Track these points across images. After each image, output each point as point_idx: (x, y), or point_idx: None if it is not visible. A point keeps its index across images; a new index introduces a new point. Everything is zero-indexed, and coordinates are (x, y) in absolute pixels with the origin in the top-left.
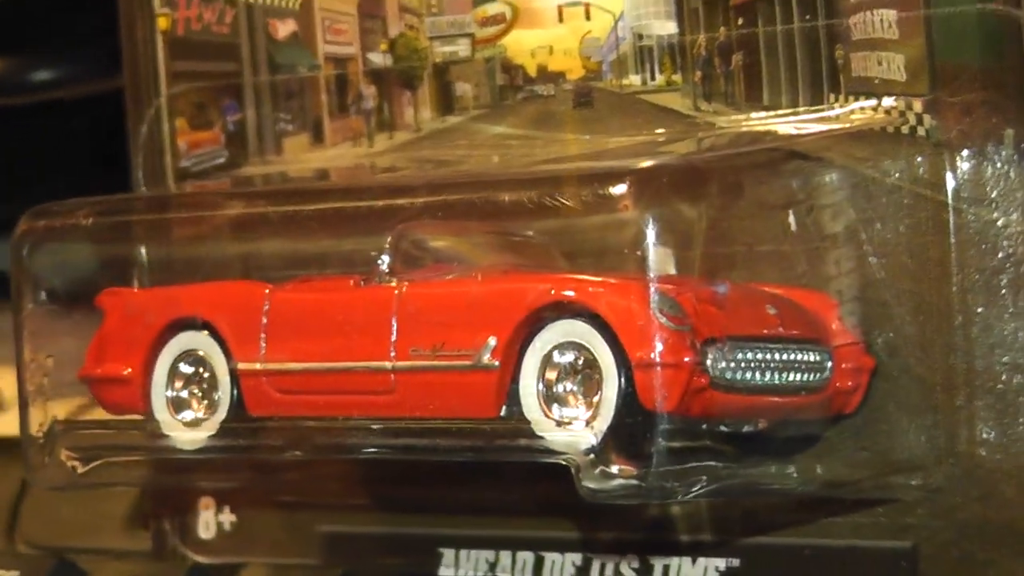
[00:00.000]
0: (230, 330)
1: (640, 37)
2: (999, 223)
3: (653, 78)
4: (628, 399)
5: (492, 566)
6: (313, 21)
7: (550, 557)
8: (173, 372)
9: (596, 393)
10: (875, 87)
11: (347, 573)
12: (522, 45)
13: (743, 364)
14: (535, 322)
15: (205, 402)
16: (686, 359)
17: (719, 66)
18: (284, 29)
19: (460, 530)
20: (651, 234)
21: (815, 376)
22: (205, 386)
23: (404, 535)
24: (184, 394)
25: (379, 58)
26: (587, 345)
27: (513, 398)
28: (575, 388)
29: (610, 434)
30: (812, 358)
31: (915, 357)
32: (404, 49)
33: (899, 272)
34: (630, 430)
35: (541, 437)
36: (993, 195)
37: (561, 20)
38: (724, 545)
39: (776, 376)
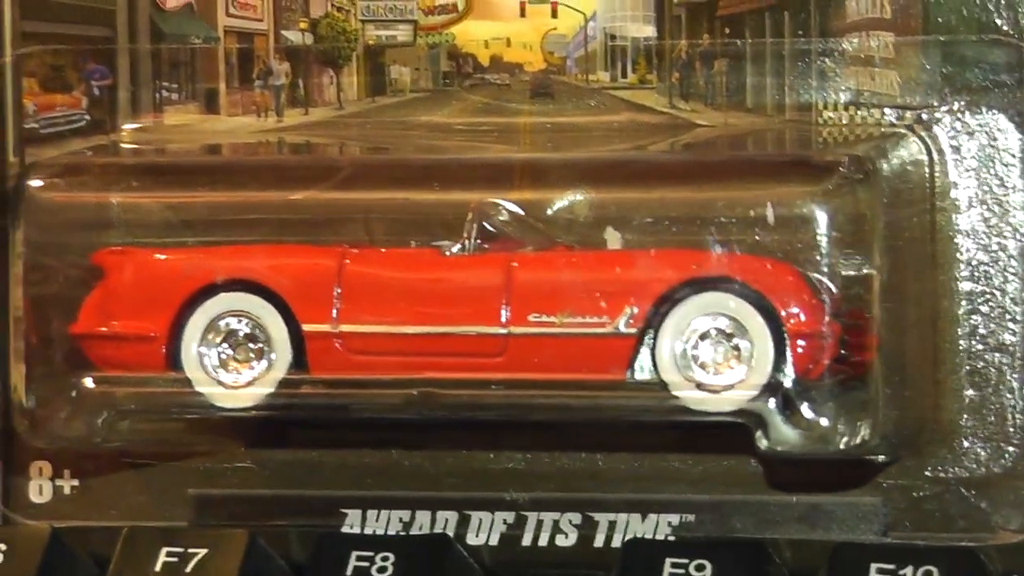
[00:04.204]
0: (294, 293)
1: (612, 37)
2: (991, 221)
3: (624, 75)
4: (778, 365)
5: (407, 526)
6: None
7: (477, 516)
8: (211, 332)
9: (738, 359)
10: (867, 99)
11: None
12: (474, 35)
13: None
14: (678, 293)
15: (255, 362)
16: (836, 330)
17: (700, 69)
18: None
19: (367, 491)
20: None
21: None
22: (254, 346)
23: (298, 496)
24: (225, 354)
25: (297, 36)
26: (735, 316)
27: (641, 361)
28: (716, 354)
29: (763, 396)
30: None
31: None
32: (329, 30)
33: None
34: (785, 392)
35: (677, 398)
36: (984, 196)
37: (523, 15)
38: (677, 502)
39: None
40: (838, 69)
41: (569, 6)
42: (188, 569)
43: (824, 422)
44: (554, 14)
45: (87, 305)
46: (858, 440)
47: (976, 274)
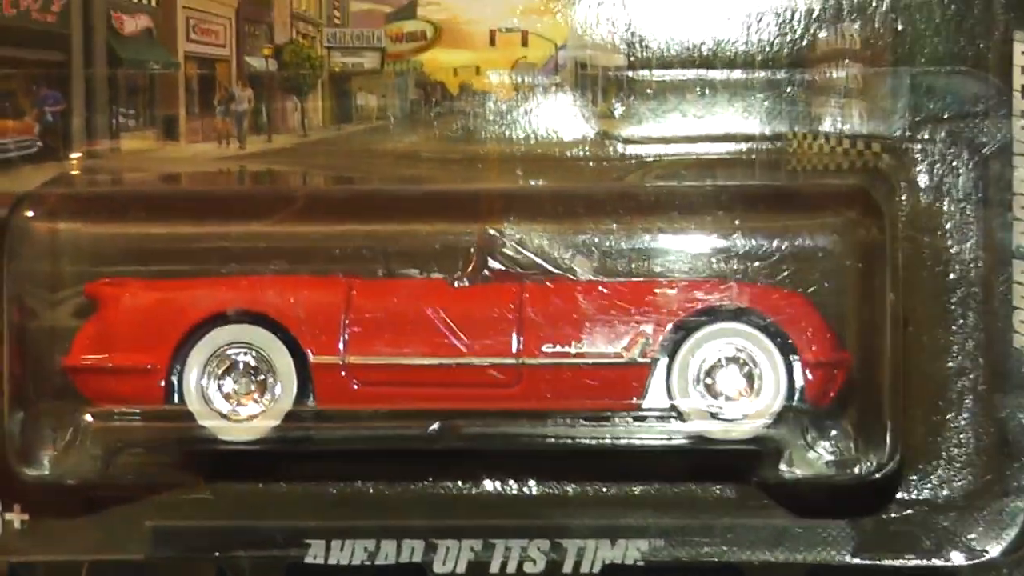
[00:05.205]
0: (300, 324)
1: (583, 66)
2: (952, 250)
3: (595, 104)
4: (792, 393)
5: (372, 556)
6: (175, 19)
7: (444, 544)
8: (213, 364)
9: (753, 388)
10: (833, 127)
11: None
12: (442, 63)
13: None
14: (693, 322)
15: (257, 395)
16: (847, 359)
17: (672, 99)
18: (133, 24)
19: (330, 521)
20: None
21: None
22: (258, 379)
23: (259, 527)
24: (228, 387)
25: (260, 63)
26: (750, 345)
27: (656, 391)
28: (731, 383)
29: (779, 424)
30: None
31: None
32: (293, 56)
33: None
34: (801, 420)
35: (694, 427)
36: (948, 226)
37: (493, 44)
38: (645, 527)
39: None
40: (808, 99)
41: (539, 35)
42: None
43: (842, 448)
44: (524, 42)
45: (80, 337)
46: (875, 465)
47: (937, 300)
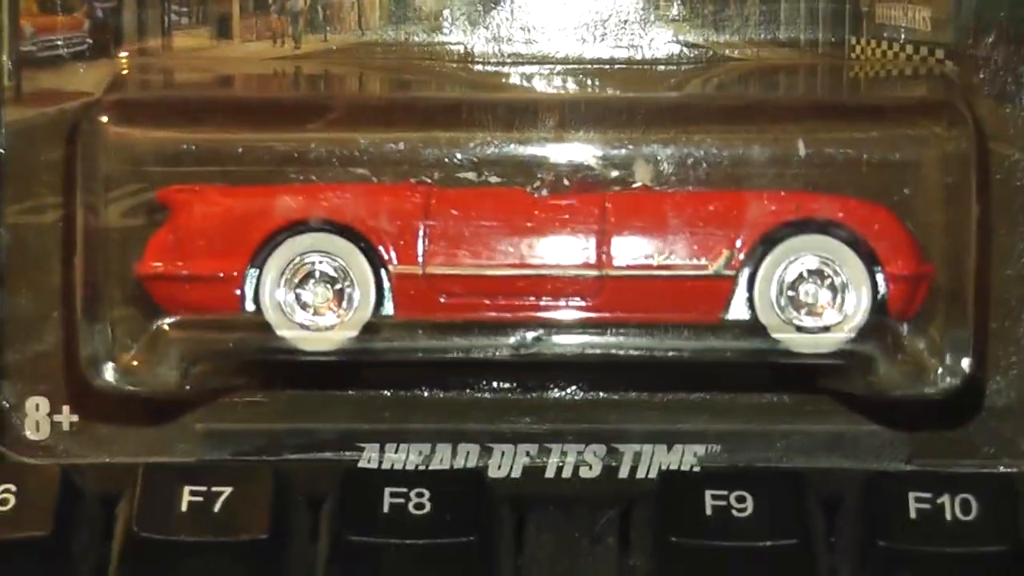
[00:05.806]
0: (380, 232)
1: None
2: (1014, 158)
3: (657, 7)
4: (874, 307)
5: (427, 460)
6: None
7: (499, 448)
8: (289, 274)
9: (836, 301)
10: (897, 34)
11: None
12: None
13: None
14: (778, 234)
15: (335, 305)
16: (930, 271)
17: (733, 3)
18: None
19: (383, 424)
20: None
21: None
22: (336, 288)
23: (311, 430)
24: (305, 296)
25: None
26: (835, 257)
27: (739, 303)
28: (815, 296)
29: (863, 337)
30: None
31: None
32: None
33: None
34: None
35: (776, 340)
36: (1011, 133)
37: None
38: (701, 432)
39: None
40: (872, 3)
41: None
42: (216, 508)
43: (925, 360)
44: None
45: (152, 245)
46: (960, 377)
47: (996, 207)
